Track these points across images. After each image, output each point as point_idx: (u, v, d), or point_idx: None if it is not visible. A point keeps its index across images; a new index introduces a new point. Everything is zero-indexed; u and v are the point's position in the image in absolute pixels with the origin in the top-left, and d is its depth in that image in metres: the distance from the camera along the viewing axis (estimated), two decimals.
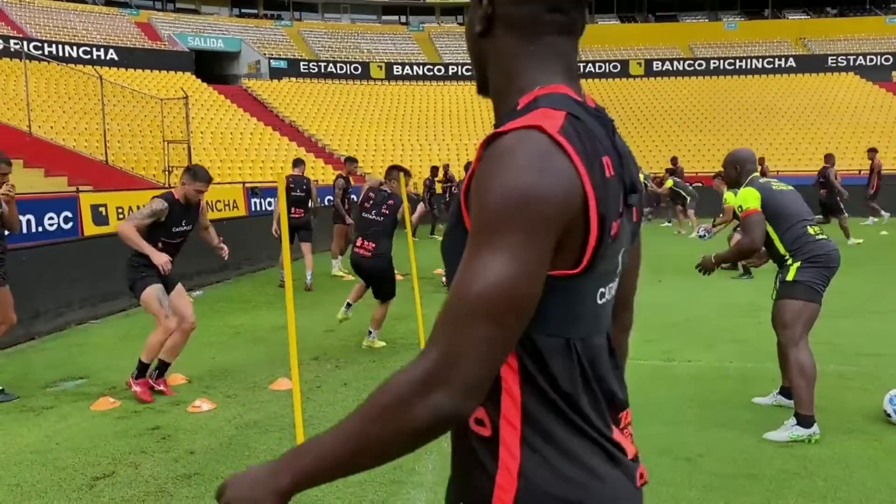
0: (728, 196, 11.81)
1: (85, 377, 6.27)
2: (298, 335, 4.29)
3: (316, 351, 6.90)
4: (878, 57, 42.69)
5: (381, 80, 41.95)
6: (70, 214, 14.30)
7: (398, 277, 11.79)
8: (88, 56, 34.17)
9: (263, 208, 21.32)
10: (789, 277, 4.53)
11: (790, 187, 4.78)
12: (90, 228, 14.34)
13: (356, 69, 41.98)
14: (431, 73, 43.15)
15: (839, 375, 5.64)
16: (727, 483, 3.79)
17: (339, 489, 3.82)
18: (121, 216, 15.46)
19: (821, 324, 7.50)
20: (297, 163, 12.13)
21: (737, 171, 4.85)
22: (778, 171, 29.82)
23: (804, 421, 4.37)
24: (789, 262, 4.55)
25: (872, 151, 19.82)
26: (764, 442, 4.34)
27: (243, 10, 48.98)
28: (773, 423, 4.64)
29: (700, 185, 21.92)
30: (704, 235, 15.74)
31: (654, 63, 43.89)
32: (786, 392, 5.03)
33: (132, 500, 3.77)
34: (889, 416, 4.57)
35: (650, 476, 4.21)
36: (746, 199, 4.60)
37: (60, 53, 33.43)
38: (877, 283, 10.04)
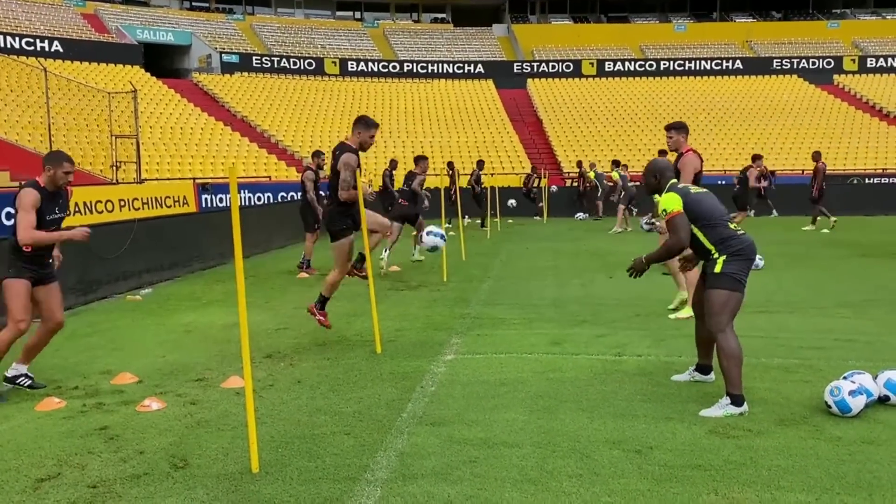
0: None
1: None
2: (251, 333, 4.25)
3: (269, 349, 6.83)
4: (820, 60, 44.06)
5: (336, 76, 41.66)
6: (13, 211, 13.86)
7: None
8: (32, 47, 33.15)
9: (214, 205, 20.98)
10: (717, 270, 4.84)
11: (705, 190, 5.20)
12: None
13: (310, 65, 41.60)
14: (386, 69, 43.01)
15: (783, 369, 5.80)
16: (676, 474, 3.87)
17: (291, 486, 3.79)
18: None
19: (765, 319, 7.75)
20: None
21: (656, 179, 5.17)
22: (725, 171, 30.54)
23: (736, 399, 4.73)
24: (715, 255, 4.88)
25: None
26: (712, 433, 4.45)
27: (194, 3, 48.13)
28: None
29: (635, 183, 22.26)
30: (651, 228, 16.04)
31: (606, 63, 44.51)
32: (701, 368, 5.45)
33: (78, 501, 3.68)
34: (829, 406, 4.73)
35: (601, 468, 4.28)
36: (668, 203, 4.94)
37: (2, 44, 32.36)
38: (819, 281, 10.37)
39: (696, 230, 4.91)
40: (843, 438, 4.34)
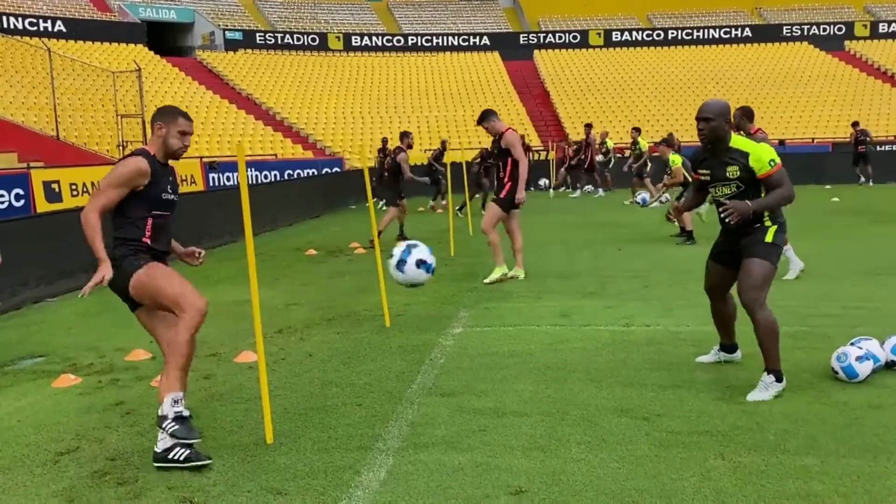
0: (674, 158, 12.04)
1: (44, 355, 6.19)
2: (262, 309, 4.31)
3: (280, 324, 6.91)
4: (831, 26, 43.44)
5: (340, 51, 41.41)
6: (21, 192, 13.98)
7: (361, 250, 11.82)
8: (35, 28, 33.05)
9: (222, 183, 21.03)
10: (769, 239, 4.54)
11: None
12: (43, 205, 14.05)
13: (314, 40, 41.34)
14: (391, 44, 42.70)
15: (791, 336, 5.82)
16: (683, 439, 3.93)
17: (305, 456, 3.87)
18: (74, 193, 15.15)
19: (775, 287, 7.66)
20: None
21: (728, 125, 4.63)
22: None
23: (778, 375, 4.54)
24: (768, 223, 4.57)
25: (588, 127, 22.00)
26: (719, 400, 4.50)
27: None
28: (728, 382, 4.81)
29: (657, 154, 22.10)
30: (645, 202, 16.09)
31: (614, 33, 44.02)
32: (726, 348, 5.25)
33: (97, 474, 3.76)
34: (836, 372, 4.77)
35: (609, 435, 4.33)
36: (774, 154, 4.54)
37: (5, 25, 32.28)
38: (828, 248, 10.35)
39: (763, 192, 4.56)
40: (850, 403, 4.38)
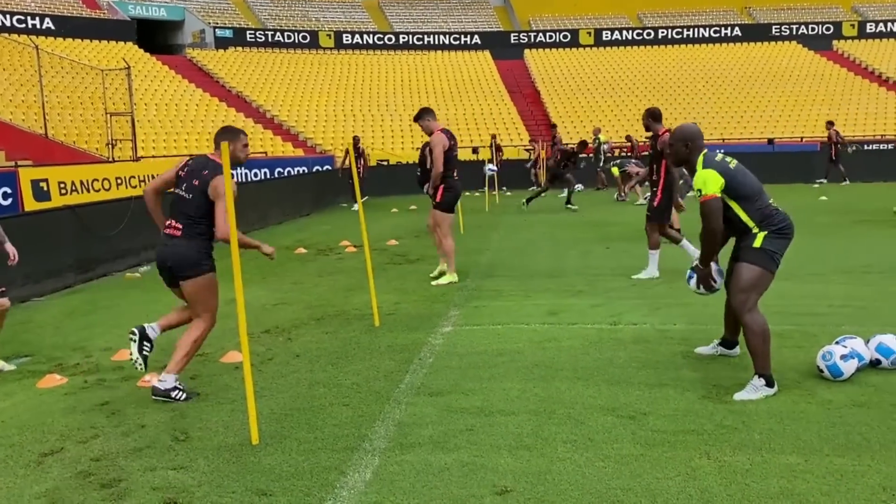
0: None
1: (30, 355, 6.16)
2: (249, 308, 4.29)
3: (267, 324, 6.88)
4: (820, 26, 43.65)
5: (331, 49, 41.30)
6: (9, 190, 13.87)
7: (351, 249, 11.80)
8: (23, 25, 32.80)
9: None
10: (756, 244, 4.54)
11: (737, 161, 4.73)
12: (31, 204, 13.94)
13: (304, 38, 41.22)
14: (382, 42, 42.61)
15: (778, 335, 5.81)
16: (669, 438, 3.94)
17: (290, 457, 3.86)
18: (63, 191, 15.06)
19: None
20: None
21: (687, 148, 4.69)
22: (724, 140, 30.44)
23: (769, 380, 4.53)
24: (755, 230, 4.56)
25: (553, 127, 22.78)
26: (705, 399, 4.51)
27: None
28: (714, 381, 4.83)
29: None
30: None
31: (604, 32, 44.09)
32: (726, 343, 5.30)
33: (81, 475, 3.74)
34: (821, 371, 4.79)
35: (595, 434, 4.34)
36: (707, 183, 4.48)
37: None
38: (816, 247, 10.39)
39: (735, 206, 4.56)
40: (834, 402, 4.40)
